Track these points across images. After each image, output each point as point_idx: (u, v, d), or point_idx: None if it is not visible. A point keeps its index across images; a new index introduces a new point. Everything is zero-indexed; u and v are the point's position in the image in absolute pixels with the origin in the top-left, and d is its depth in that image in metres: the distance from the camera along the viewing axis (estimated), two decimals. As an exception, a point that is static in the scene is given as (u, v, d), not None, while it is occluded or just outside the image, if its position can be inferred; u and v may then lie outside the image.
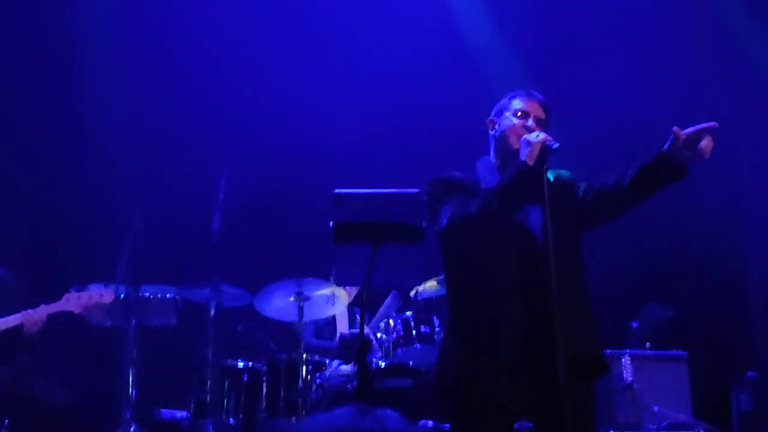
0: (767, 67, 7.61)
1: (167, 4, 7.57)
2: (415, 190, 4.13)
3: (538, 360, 3.53)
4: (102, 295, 5.71)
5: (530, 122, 3.87)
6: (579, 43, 7.82)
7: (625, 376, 6.39)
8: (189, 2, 7.59)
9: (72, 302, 5.65)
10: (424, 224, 3.98)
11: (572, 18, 7.89)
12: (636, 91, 7.67)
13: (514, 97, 3.99)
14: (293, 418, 6.02)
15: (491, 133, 4.01)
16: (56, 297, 5.72)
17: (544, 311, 3.50)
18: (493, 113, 4.04)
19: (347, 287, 6.50)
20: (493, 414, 3.65)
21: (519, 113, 3.91)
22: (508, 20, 7.93)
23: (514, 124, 3.89)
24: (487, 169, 3.93)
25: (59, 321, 5.76)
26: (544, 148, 3.66)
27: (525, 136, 3.72)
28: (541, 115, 3.93)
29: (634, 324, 7.05)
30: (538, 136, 3.68)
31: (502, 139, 3.91)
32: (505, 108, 3.97)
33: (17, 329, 5.57)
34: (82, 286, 5.80)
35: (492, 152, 4.00)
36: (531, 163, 3.64)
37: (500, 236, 3.69)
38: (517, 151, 3.76)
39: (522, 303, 3.62)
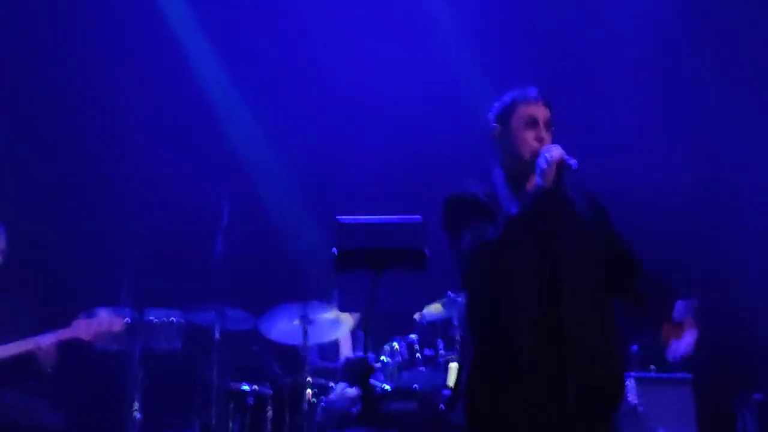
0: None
1: (168, 27, 7.62)
2: (418, 218, 4.10)
3: (558, 390, 3.47)
4: (112, 323, 5.68)
5: (542, 132, 3.69)
6: (579, 65, 7.85)
7: (629, 398, 6.36)
8: (191, 32, 7.63)
9: (82, 329, 5.60)
10: (426, 251, 3.95)
11: (573, 41, 7.93)
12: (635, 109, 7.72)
13: (516, 102, 3.77)
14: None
15: (497, 138, 3.80)
16: (63, 321, 5.70)
17: (566, 340, 3.47)
18: (496, 120, 3.81)
19: (351, 313, 6.50)
20: None
21: (527, 121, 3.72)
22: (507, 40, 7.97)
23: (524, 137, 3.70)
24: (502, 183, 3.76)
25: (68, 349, 5.74)
26: (561, 167, 3.54)
27: (538, 160, 3.56)
28: (548, 115, 3.75)
29: (634, 348, 7.02)
30: (551, 157, 3.53)
31: (513, 150, 3.73)
32: (510, 115, 3.77)
33: (29, 358, 5.54)
34: (90, 313, 5.77)
35: (501, 159, 3.81)
36: (548, 185, 3.54)
37: (522, 261, 3.58)
38: (529, 163, 3.63)
39: (549, 330, 3.52)
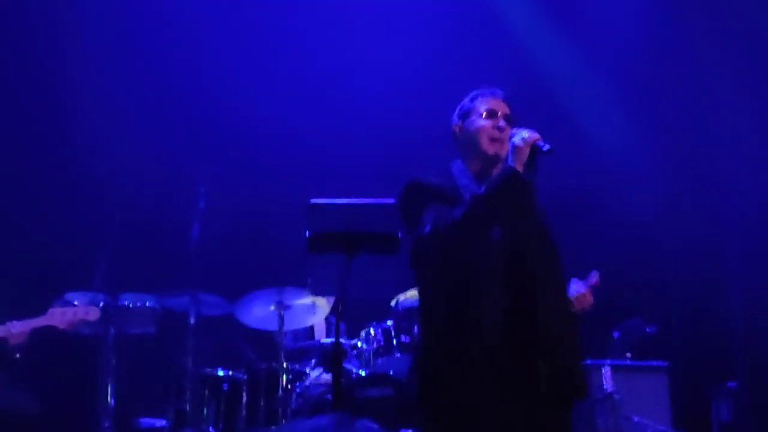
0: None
1: (147, 14, 7.56)
2: (391, 201, 4.08)
3: (523, 375, 3.46)
4: (87, 312, 5.63)
5: (500, 122, 3.78)
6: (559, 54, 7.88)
7: (605, 386, 6.38)
8: (168, 13, 7.58)
9: (56, 318, 5.55)
10: (399, 234, 3.92)
11: (558, 41, 7.96)
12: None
13: (476, 97, 3.89)
14: (273, 427, 6.00)
15: (458, 135, 3.89)
16: (37, 305, 5.65)
17: (531, 324, 3.46)
18: (456, 117, 3.92)
19: (326, 297, 6.48)
20: (475, 428, 3.52)
21: (486, 113, 3.81)
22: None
23: (483, 126, 3.79)
24: (462, 174, 3.80)
25: (41, 334, 5.70)
26: (535, 149, 3.54)
27: (513, 139, 3.57)
28: (508, 111, 3.83)
29: (615, 334, 7.06)
30: (525, 139, 3.54)
31: (473, 142, 3.81)
32: (470, 109, 3.86)
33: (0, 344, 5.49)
34: (65, 301, 5.72)
35: (463, 157, 3.86)
36: (520, 168, 3.52)
37: (486, 244, 3.57)
38: (491, 155, 3.72)
39: (509, 315, 3.51)
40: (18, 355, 5.50)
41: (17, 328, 5.45)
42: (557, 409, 3.58)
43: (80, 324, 5.64)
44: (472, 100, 3.90)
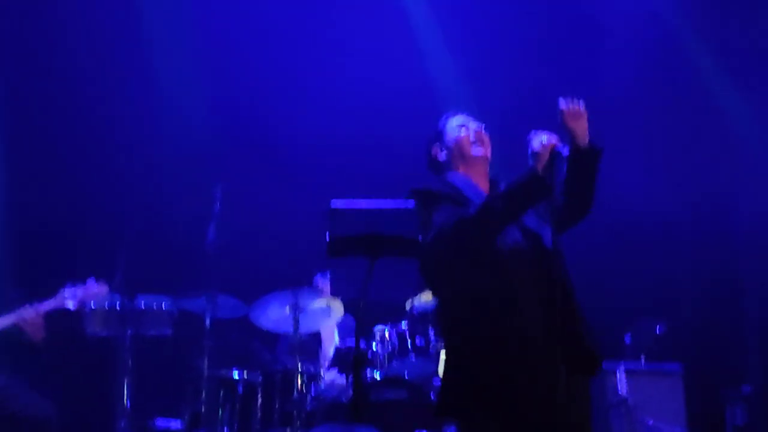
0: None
1: (165, 18, 7.60)
2: (413, 203, 4.11)
3: (553, 364, 3.53)
4: (96, 288, 5.71)
5: (475, 126, 3.98)
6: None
7: (619, 389, 6.39)
8: (185, 18, 7.62)
9: (67, 297, 5.65)
10: (420, 237, 3.94)
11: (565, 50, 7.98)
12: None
13: (445, 119, 4.09)
14: (288, 429, 6.01)
15: (441, 156, 4.04)
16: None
17: (556, 315, 3.55)
18: (433, 143, 4.09)
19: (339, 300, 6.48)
20: (511, 424, 3.55)
21: (459, 125, 4.01)
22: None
23: (461, 135, 3.98)
24: (462, 181, 3.91)
25: (56, 329, 5.74)
26: (554, 154, 3.62)
27: (532, 144, 3.64)
28: (478, 123, 4.03)
29: (627, 338, 7.06)
30: (543, 144, 3.61)
31: (458, 152, 3.98)
32: (443, 130, 4.06)
33: (17, 332, 5.55)
34: (74, 282, 5.79)
35: (452, 169, 4.00)
36: (540, 170, 3.59)
37: (506, 242, 3.66)
38: (479, 156, 3.91)
39: (536, 309, 3.58)
40: (41, 345, 5.57)
41: (30, 313, 5.52)
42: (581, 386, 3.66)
43: (90, 299, 5.71)
44: (442, 123, 4.09)
